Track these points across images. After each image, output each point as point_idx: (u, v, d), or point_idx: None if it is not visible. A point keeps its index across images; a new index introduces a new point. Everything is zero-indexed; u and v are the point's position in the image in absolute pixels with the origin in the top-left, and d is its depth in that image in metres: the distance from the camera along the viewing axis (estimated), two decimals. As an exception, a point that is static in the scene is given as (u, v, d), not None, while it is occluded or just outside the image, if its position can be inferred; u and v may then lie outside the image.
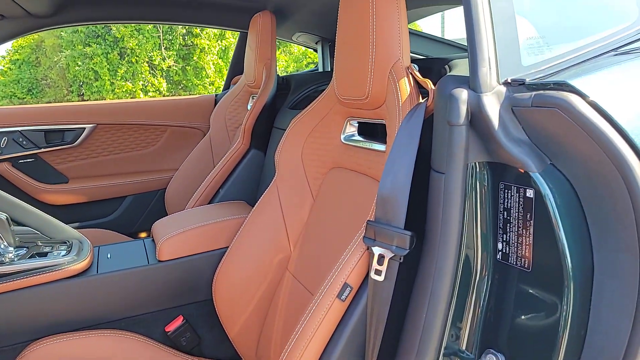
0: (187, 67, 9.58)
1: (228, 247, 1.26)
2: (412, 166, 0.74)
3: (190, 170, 1.94)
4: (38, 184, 1.89)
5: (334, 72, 1.04)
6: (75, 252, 1.22)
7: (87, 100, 9.06)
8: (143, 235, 2.13)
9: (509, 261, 0.64)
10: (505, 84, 0.66)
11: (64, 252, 1.21)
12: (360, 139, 1.10)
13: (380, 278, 0.73)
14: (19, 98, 9.15)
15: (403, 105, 0.85)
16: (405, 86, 0.86)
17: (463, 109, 0.65)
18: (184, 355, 1.20)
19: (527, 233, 0.61)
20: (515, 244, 0.63)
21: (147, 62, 9.28)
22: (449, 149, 0.66)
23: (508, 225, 0.64)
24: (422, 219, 0.76)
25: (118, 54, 8.99)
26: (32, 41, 9.42)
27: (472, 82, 0.66)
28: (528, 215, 0.61)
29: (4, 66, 9.44)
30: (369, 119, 1.03)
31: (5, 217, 1.18)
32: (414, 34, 1.93)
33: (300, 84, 1.75)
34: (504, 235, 0.65)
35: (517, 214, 0.62)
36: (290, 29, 1.98)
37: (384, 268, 0.73)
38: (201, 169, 1.89)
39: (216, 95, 2.21)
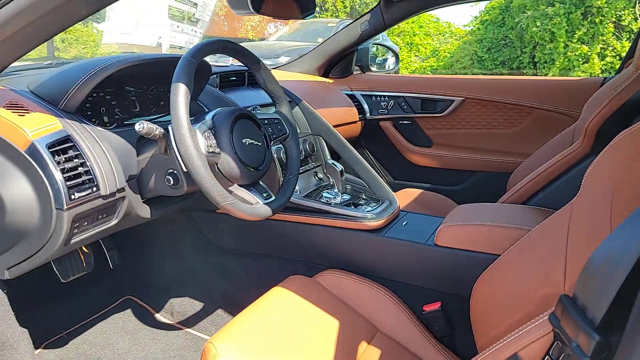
0: (665, 27, 7.82)
1: (499, 255, 1.15)
2: None
3: (540, 160, 1.75)
4: (407, 144, 2.21)
5: None
6: (379, 211, 1.42)
7: (537, 62, 9.04)
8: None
9: None
10: None
11: (370, 208, 1.44)
12: None
13: None
14: (478, 56, 10.11)
15: None
16: None
17: None
18: (432, 340, 1.24)
19: None
20: None
21: (614, 22, 8.17)
22: None
23: None
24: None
25: (581, 13, 8.32)
26: (502, 2, 10.00)
27: None
28: None
29: (474, 26, 10.54)
30: None
31: (340, 169, 1.51)
32: None
33: None
34: None
35: None
36: None
37: None
38: (550, 162, 1.68)
39: (604, 78, 1.82)
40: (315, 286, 1.26)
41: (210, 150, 0.98)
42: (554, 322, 0.56)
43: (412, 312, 1.28)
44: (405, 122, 2.22)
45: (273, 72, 2.23)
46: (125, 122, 1.21)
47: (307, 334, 1.09)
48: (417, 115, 2.18)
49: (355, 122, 2.10)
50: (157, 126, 0.96)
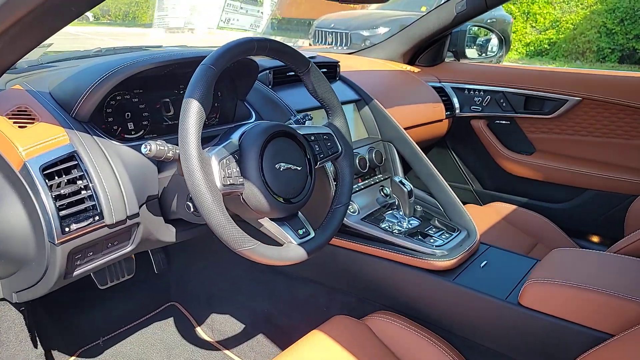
0: None
1: (613, 336, 0.85)
2: None
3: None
4: (503, 149, 1.86)
5: None
6: (452, 246, 1.17)
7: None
8: (595, 239, 1.75)
9: None
10: None
11: (440, 242, 1.18)
12: None
13: None
14: (607, 28, 8.78)
15: None
16: None
17: None
18: None
19: None
20: None
21: None
22: None
23: None
24: None
25: None
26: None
27: None
28: None
29: (602, -6, 9.14)
30: None
31: (409, 189, 1.26)
32: None
33: None
34: None
35: None
36: None
37: None
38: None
39: None
40: (362, 332, 1.06)
41: (229, 183, 0.80)
42: None
43: None
44: (503, 122, 1.86)
45: (350, 57, 2.00)
46: (154, 131, 1.06)
47: None
48: (519, 115, 1.81)
49: (440, 120, 1.80)
50: (170, 146, 0.78)
